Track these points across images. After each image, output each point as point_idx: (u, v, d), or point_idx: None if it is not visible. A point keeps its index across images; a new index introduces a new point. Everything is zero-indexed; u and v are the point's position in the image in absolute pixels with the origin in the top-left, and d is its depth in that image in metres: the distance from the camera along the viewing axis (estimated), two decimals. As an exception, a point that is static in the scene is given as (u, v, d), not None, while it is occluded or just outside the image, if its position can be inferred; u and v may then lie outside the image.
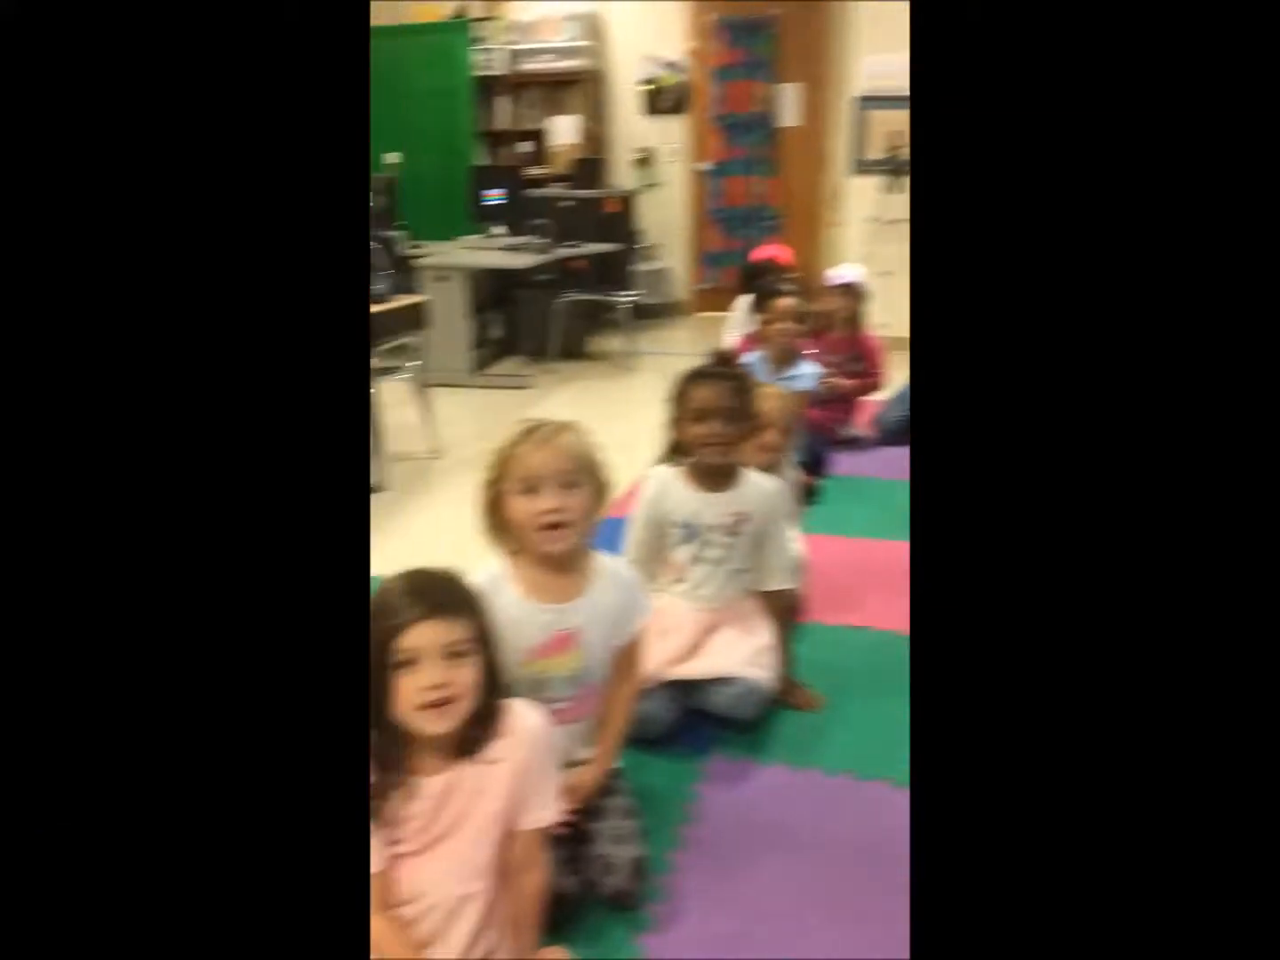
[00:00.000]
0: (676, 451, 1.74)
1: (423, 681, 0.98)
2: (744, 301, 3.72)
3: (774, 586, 1.76)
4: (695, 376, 1.68)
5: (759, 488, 1.74)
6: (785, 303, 2.87)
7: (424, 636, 0.98)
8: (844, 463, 3.22)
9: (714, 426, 1.63)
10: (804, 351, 2.95)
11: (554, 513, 1.25)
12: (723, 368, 1.70)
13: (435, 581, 1.03)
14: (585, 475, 1.28)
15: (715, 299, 6.32)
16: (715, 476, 1.70)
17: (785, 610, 1.79)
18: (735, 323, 3.64)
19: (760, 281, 3.25)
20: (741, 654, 1.71)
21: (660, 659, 1.65)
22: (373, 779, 1.00)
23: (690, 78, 6.11)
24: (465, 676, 1.01)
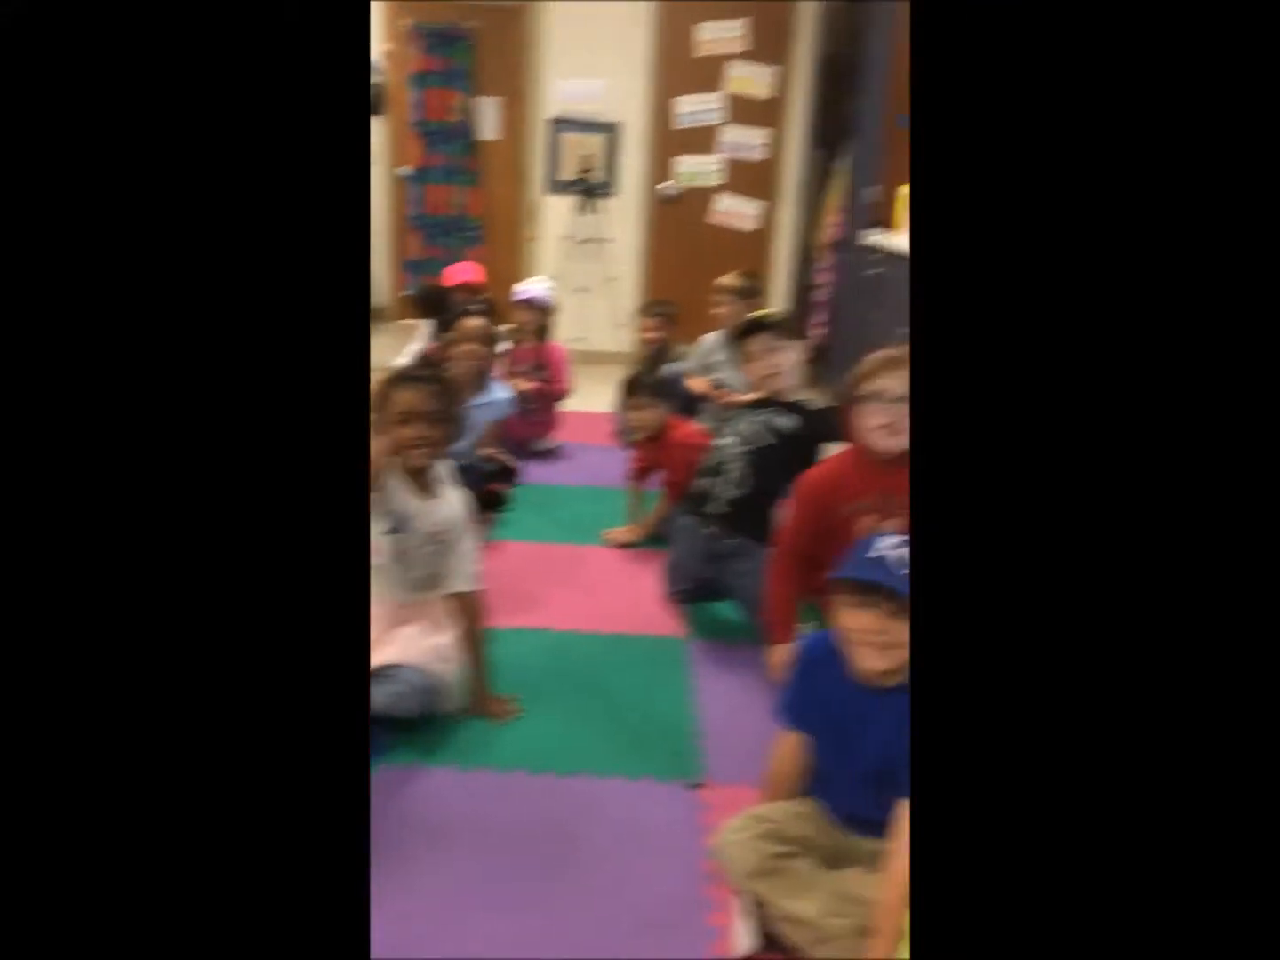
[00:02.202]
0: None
1: None
2: (425, 326, 3.71)
3: (459, 589, 1.81)
4: (398, 380, 1.72)
5: (451, 496, 1.81)
6: (471, 323, 2.89)
7: None
8: (534, 472, 3.33)
9: (419, 429, 1.67)
10: (495, 374, 2.99)
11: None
12: (425, 371, 1.74)
13: None
14: None
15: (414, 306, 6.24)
16: (421, 479, 1.76)
17: (472, 614, 1.84)
18: (419, 341, 3.64)
19: (446, 303, 3.25)
20: (422, 647, 1.75)
21: None
22: None
23: (387, 80, 5.99)
24: None
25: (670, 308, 3.96)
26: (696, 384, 3.53)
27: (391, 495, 1.73)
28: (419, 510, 1.75)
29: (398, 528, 1.73)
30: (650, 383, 2.76)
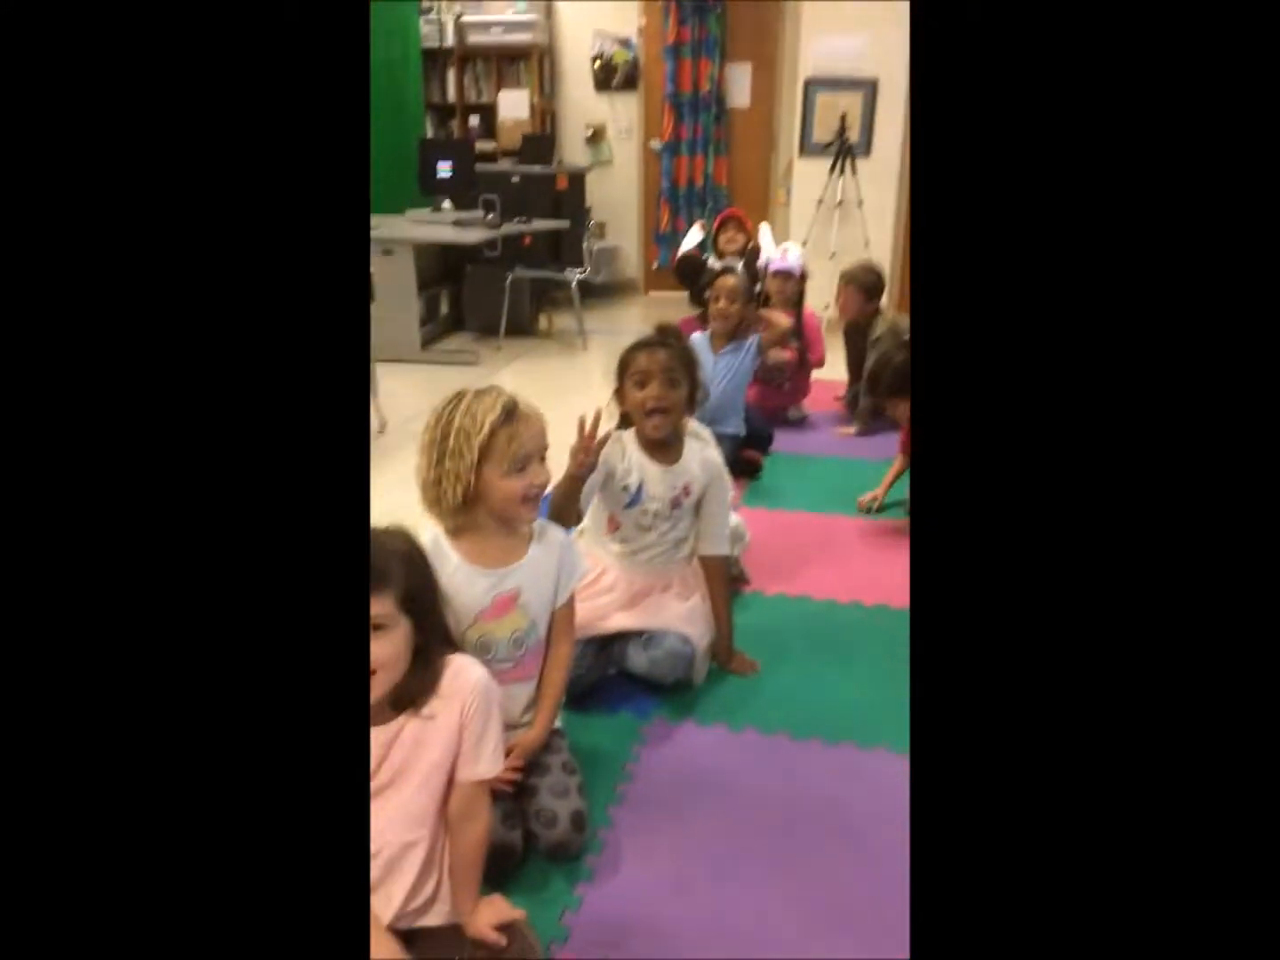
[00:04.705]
0: (624, 422, 1.80)
1: None
2: (695, 229, 3.88)
3: (711, 552, 1.82)
4: (637, 346, 1.76)
5: (699, 458, 1.80)
6: (728, 281, 2.90)
7: None
8: (785, 440, 3.30)
9: (654, 390, 1.69)
10: (750, 330, 2.98)
11: (544, 486, 1.33)
12: (663, 337, 1.76)
13: None
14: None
15: (667, 278, 6.36)
16: (662, 445, 1.77)
17: (723, 576, 1.85)
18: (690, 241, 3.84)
19: (695, 281, 3.29)
20: (673, 612, 1.78)
21: (594, 616, 1.72)
22: None
23: (641, 54, 6.10)
24: (383, 650, 1.04)
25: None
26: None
27: (627, 463, 1.75)
28: (657, 477, 1.76)
29: (635, 498, 1.76)
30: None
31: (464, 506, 1.31)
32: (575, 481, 1.57)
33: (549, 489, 1.40)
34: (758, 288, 3.28)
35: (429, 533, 1.35)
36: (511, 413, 1.29)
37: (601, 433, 1.52)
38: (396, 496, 1.44)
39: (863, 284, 3.50)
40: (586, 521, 1.83)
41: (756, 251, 3.52)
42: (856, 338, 3.48)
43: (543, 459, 1.33)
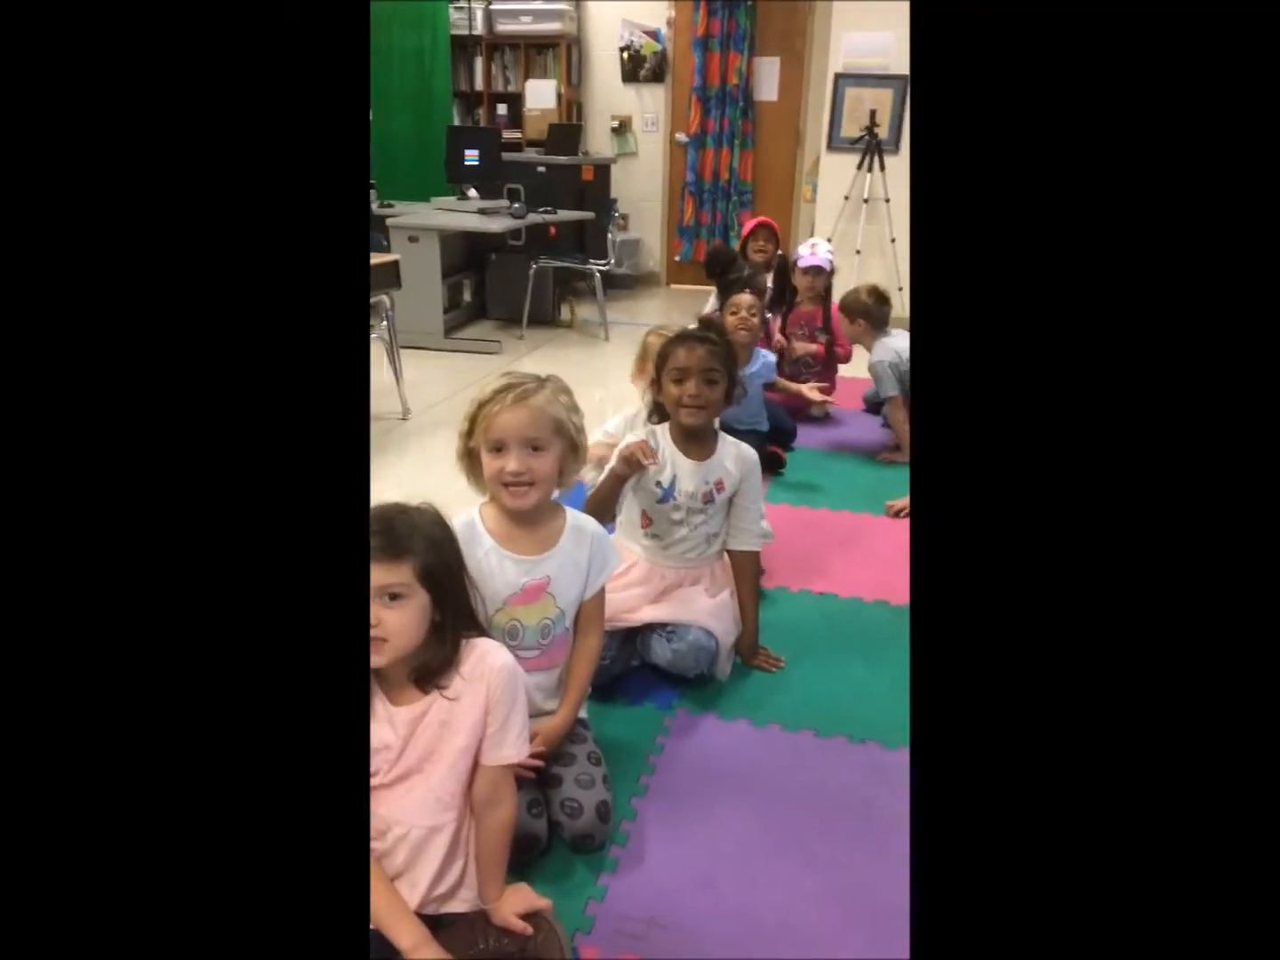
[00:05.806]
0: (658, 413, 1.78)
1: None
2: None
3: (741, 547, 1.81)
4: (677, 339, 1.73)
5: (734, 454, 1.78)
6: (745, 299, 2.86)
7: None
8: (809, 436, 3.28)
9: (691, 388, 1.67)
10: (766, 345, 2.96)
11: (516, 474, 1.29)
12: (704, 332, 1.73)
13: (382, 522, 1.04)
14: (554, 436, 1.32)
15: (688, 271, 6.34)
16: (695, 440, 1.75)
17: (752, 572, 1.84)
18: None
19: (732, 267, 3.24)
20: (700, 607, 1.77)
21: (622, 608, 1.71)
22: None
23: (669, 46, 6.07)
24: (396, 619, 1.04)
25: None
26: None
27: (660, 459, 1.72)
28: (689, 471, 1.74)
29: (667, 493, 1.74)
30: None
31: (472, 473, 1.35)
32: (617, 480, 1.59)
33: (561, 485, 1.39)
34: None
35: (464, 515, 1.35)
36: (500, 394, 1.30)
37: (637, 436, 1.52)
38: (418, 479, 1.42)
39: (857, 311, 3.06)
40: (620, 516, 1.82)
41: (786, 261, 3.46)
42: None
43: (536, 449, 1.31)
